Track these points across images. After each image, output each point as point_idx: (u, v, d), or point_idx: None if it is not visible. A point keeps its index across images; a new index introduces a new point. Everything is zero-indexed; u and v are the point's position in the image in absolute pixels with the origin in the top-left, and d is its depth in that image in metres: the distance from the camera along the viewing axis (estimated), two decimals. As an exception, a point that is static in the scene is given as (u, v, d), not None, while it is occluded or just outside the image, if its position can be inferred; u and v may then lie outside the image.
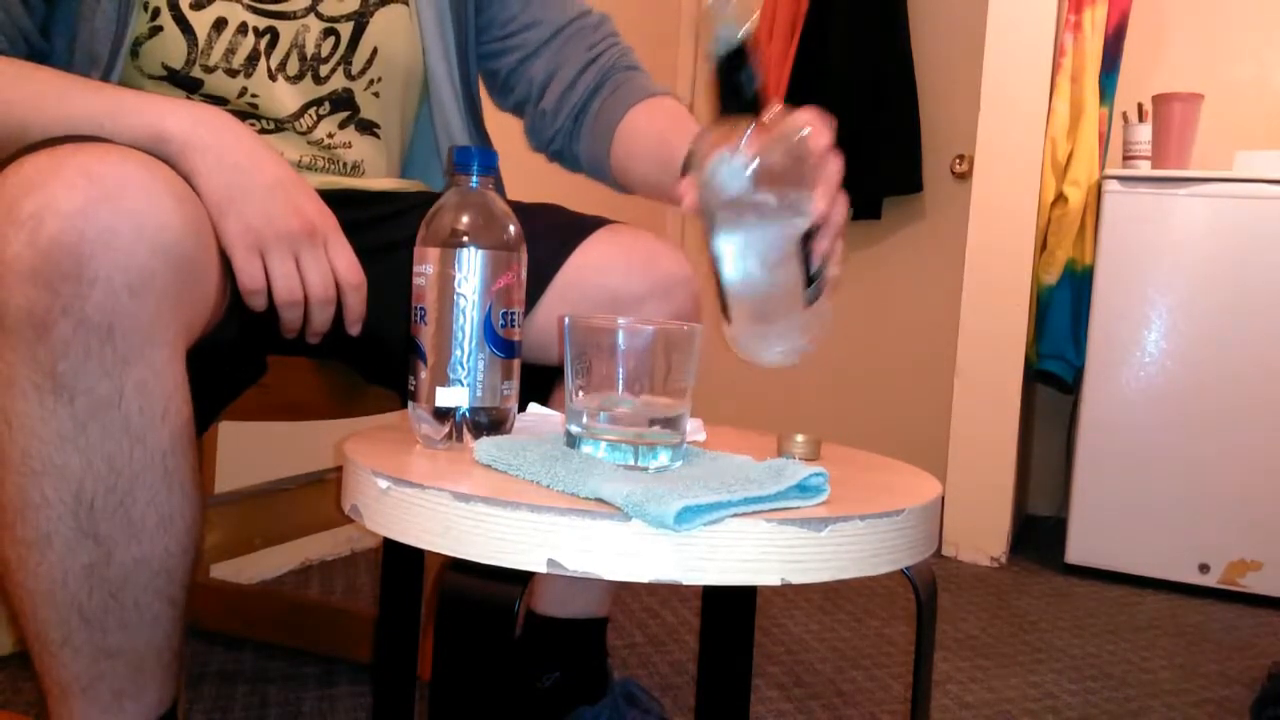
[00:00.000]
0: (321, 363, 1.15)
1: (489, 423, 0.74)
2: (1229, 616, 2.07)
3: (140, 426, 0.70)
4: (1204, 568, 2.21)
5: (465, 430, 0.74)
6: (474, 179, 0.75)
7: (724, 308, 0.81)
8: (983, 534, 2.37)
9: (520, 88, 1.12)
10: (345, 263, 0.85)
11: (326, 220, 0.84)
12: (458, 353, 0.73)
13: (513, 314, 0.75)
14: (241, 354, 0.96)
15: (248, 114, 0.97)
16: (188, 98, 0.94)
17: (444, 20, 1.06)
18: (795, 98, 2.89)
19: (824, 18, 2.87)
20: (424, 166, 1.16)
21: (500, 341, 0.74)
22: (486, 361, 0.73)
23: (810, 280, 0.80)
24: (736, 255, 0.79)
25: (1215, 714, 1.52)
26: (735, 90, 0.79)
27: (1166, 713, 1.51)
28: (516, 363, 0.76)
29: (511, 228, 0.75)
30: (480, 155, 0.75)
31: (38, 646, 0.75)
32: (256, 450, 1.65)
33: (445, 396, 0.73)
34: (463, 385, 0.73)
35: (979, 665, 1.66)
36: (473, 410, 0.73)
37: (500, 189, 0.98)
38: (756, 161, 0.75)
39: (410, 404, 0.75)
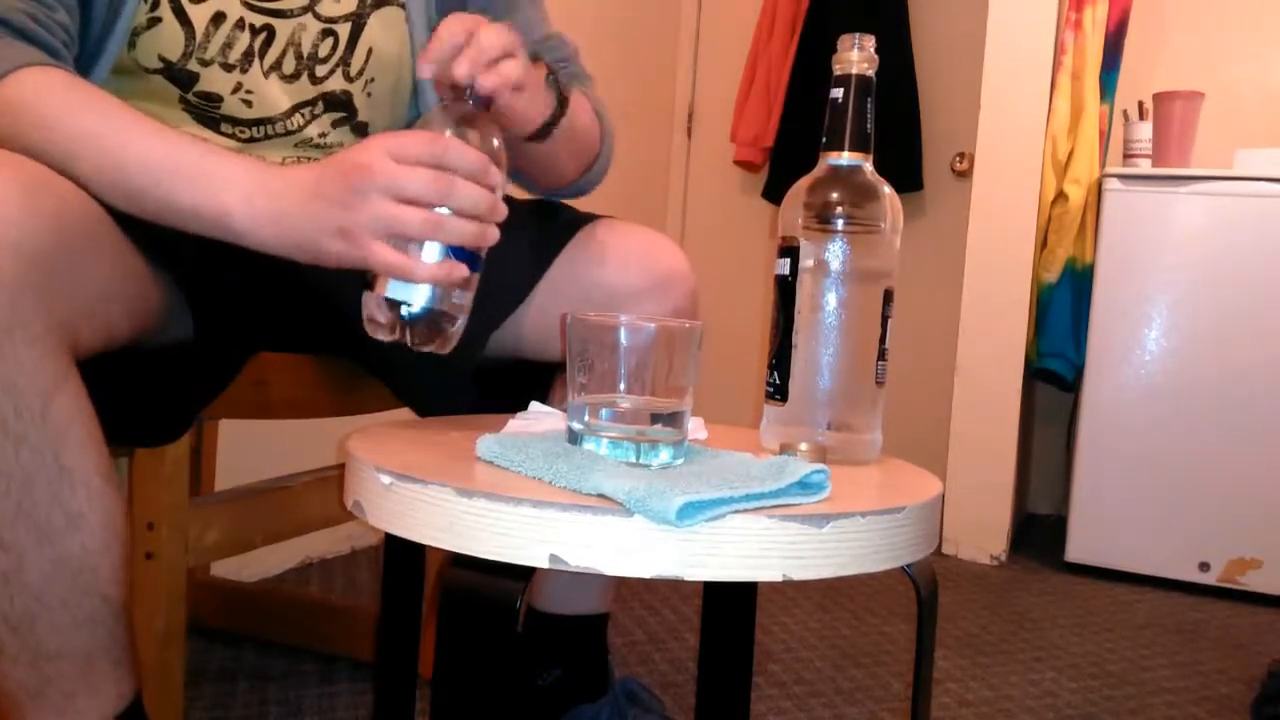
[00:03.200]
0: (320, 359, 1.15)
1: (431, 324, 0.75)
2: (1229, 614, 2.07)
3: (19, 427, 0.68)
4: (1204, 566, 2.21)
5: (408, 328, 0.75)
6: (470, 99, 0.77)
7: (780, 379, 0.79)
8: (983, 532, 2.37)
9: None
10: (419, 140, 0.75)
11: (359, 151, 0.75)
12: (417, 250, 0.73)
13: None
14: (209, 354, 0.95)
15: (242, 112, 0.96)
16: (181, 96, 0.94)
17: (432, 26, 1.05)
18: (795, 97, 2.89)
19: (824, 16, 2.86)
20: None
21: (464, 251, 0.74)
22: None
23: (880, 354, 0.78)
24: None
25: (1215, 711, 1.52)
26: None
27: (1166, 710, 1.51)
28: (476, 276, 0.77)
29: (495, 141, 0.77)
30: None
31: None
32: (257, 448, 1.65)
33: (397, 289, 0.73)
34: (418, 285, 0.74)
35: (979, 663, 1.66)
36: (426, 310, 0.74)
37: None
38: None
39: (365, 292, 0.76)
